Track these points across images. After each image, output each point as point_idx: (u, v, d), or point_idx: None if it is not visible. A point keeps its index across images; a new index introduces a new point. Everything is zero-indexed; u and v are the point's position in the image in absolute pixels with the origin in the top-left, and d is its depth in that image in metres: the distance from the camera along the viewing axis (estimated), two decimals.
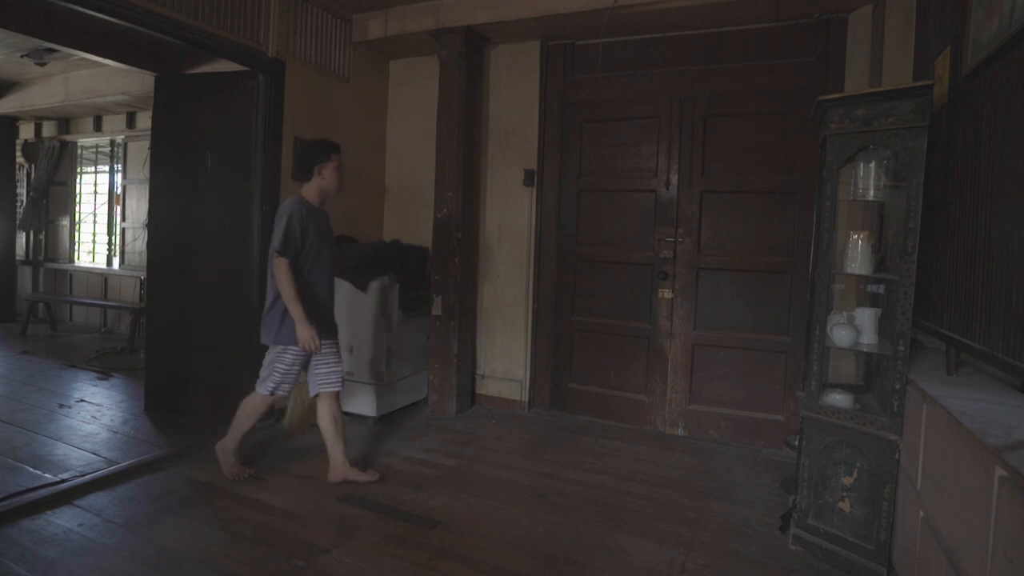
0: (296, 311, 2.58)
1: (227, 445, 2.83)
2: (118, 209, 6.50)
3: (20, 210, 6.94)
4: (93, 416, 3.64)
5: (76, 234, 6.95)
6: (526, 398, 4.09)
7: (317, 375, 2.79)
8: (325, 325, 2.76)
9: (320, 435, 2.80)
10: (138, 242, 6.22)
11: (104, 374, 4.65)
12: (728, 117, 3.59)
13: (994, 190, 1.67)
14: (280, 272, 2.57)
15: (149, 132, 4.14)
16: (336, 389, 2.81)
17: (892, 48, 2.86)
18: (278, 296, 2.63)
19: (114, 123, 6.45)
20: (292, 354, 2.69)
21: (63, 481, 2.67)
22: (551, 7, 3.50)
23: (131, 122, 6.28)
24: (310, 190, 2.75)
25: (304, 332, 2.59)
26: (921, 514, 1.80)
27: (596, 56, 3.83)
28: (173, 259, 3.67)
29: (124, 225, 6.44)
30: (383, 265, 3.67)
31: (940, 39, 2.22)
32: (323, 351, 2.72)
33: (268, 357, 2.76)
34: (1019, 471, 1.17)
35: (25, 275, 7.06)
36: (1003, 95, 1.64)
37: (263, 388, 2.74)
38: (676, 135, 3.69)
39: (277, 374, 2.71)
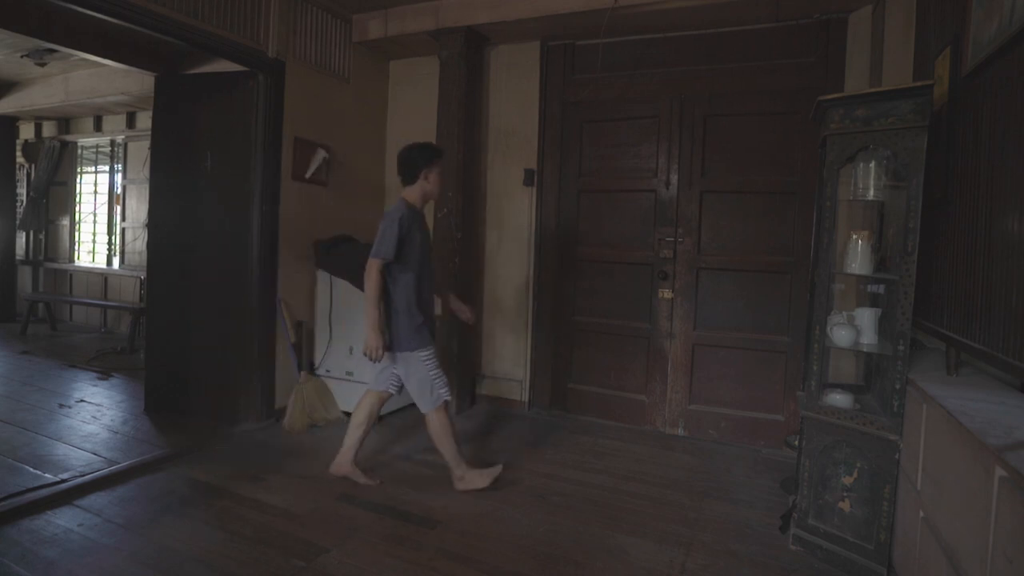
0: (372, 315, 2.57)
1: (457, 472, 2.76)
2: (118, 209, 6.50)
3: (20, 210, 6.95)
4: (93, 416, 3.64)
5: (76, 234, 6.96)
6: (526, 398, 4.09)
7: (392, 374, 2.79)
8: (431, 332, 2.76)
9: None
10: (138, 242, 6.22)
11: (104, 374, 4.65)
12: (728, 117, 3.59)
13: (994, 190, 1.67)
14: (370, 272, 2.56)
15: (149, 132, 4.14)
16: (393, 394, 2.83)
17: (892, 48, 2.86)
18: (397, 300, 2.64)
19: (114, 123, 6.45)
20: (430, 354, 2.70)
21: (63, 481, 2.67)
22: (551, 7, 3.50)
23: (131, 122, 6.28)
24: (413, 193, 2.72)
25: (373, 339, 2.58)
26: (921, 514, 1.80)
27: (596, 56, 3.83)
28: (173, 259, 3.67)
29: (124, 225, 6.44)
30: None
31: (940, 39, 2.22)
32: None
33: (416, 374, 2.68)
34: (1019, 471, 1.17)
35: (25, 275, 7.06)
36: (1003, 95, 1.64)
37: (437, 397, 2.68)
38: (676, 135, 3.69)
39: (439, 378, 2.70)
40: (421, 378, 2.69)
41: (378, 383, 2.83)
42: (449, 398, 2.74)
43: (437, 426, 2.72)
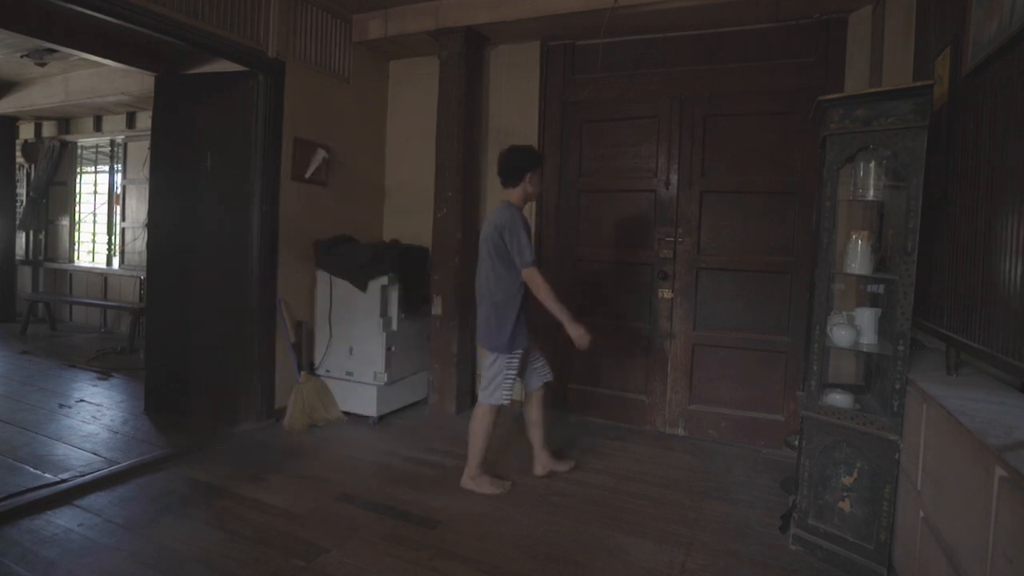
0: (565, 312, 2.71)
1: (472, 472, 2.81)
2: (118, 209, 6.50)
3: (20, 210, 6.94)
4: (93, 416, 3.64)
5: (76, 234, 6.95)
6: None
7: (535, 370, 2.95)
8: (528, 333, 2.85)
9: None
10: (138, 242, 6.22)
11: (104, 374, 4.65)
12: (728, 117, 3.58)
13: (994, 190, 1.67)
14: (538, 281, 2.67)
15: (149, 132, 4.14)
16: (551, 378, 3.01)
17: (892, 48, 2.86)
18: (505, 304, 2.71)
19: (114, 123, 6.45)
20: (519, 359, 2.78)
21: (63, 481, 2.67)
22: (551, 7, 3.50)
23: (131, 122, 6.28)
24: (515, 195, 2.80)
25: (579, 330, 2.72)
26: (921, 514, 1.80)
27: (596, 56, 3.83)
28: (173, 259, 3.67)
29: (124, 225, 6.44)
30: (383, 265, 3.67)
31: (940, 39, 2.22)
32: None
33: (495, 367, 2.77)
34: (1019, 471, 1.17)
35: (25, 275, 7.06)
36: (1003, 95, 1.64)
37: (498, 397, 2.76)
38: (676, 135, 3.69)
39: (509, 380, 2.76)
40: (497, 372, 2.76)
41: (537, 379, 2.95)
42: (507, 403, 2.79)
43: (482, 420, 2.79)
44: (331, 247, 3.79)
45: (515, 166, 2.77)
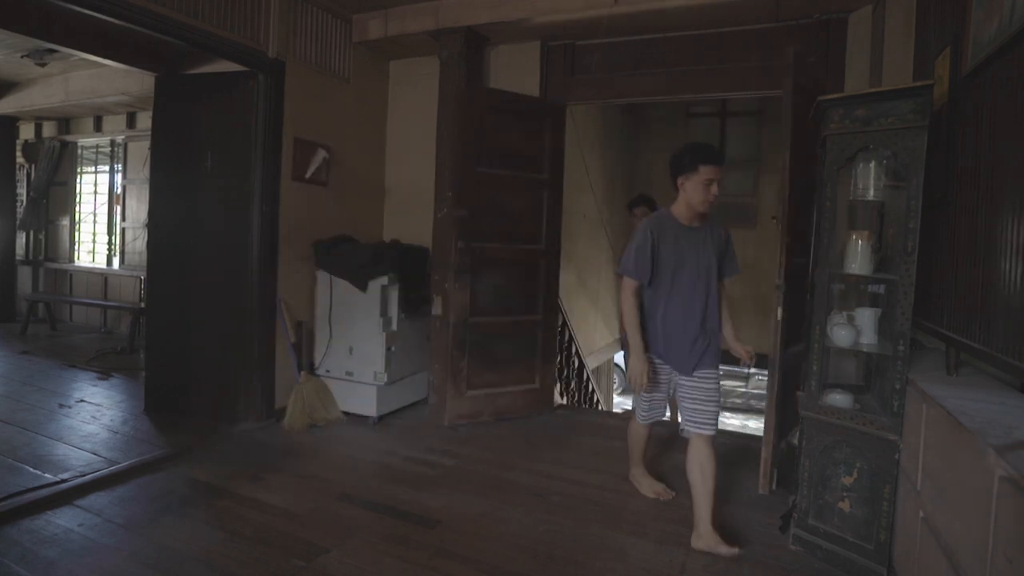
0: (634, 340, 2.38)
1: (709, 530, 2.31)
2: (118, 209, 6.51)
3: (20, 210, 6.95)
4: (93, 416, 3.64)
5: (76, 234, 6.96)
6: None
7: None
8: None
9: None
10: (138, 242, 6.22)
11: (104, 374, 4.64)
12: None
13: (994, 190, 1.67)
14: (625, 293, 2.37)
15: (149, 132, 4.14)
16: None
17: (892, 48, 2.87)
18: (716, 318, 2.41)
19: (114, 123, 6.46)
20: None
21: (63, 481, 2.67)
22: (551, 7, 3.50)
23: (131, 122, 6.28)
24: (677, 205, 2.40)
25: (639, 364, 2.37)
26: (921, 514, 1.80)
27: (596, 56, 3.83)
28: (173, 259, 3.67)
29: (124, 225, 6.44)
30: (383, 265, 3.67)
31: (940, 39, 2.22)
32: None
33: (716, 387, 2.40)
34: (1019, 471, 1.17)
35: (25, 275, 7.06)
36: (1003, 95, 1.64)
37: (712, 427, 2.35)
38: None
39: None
40: (710, 398, 2.39)
41: (654, 415, 2.63)
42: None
43: (712, 462, 2.36)
44: (331, 247, 3.79)
45: (671, 169, 2.36)
